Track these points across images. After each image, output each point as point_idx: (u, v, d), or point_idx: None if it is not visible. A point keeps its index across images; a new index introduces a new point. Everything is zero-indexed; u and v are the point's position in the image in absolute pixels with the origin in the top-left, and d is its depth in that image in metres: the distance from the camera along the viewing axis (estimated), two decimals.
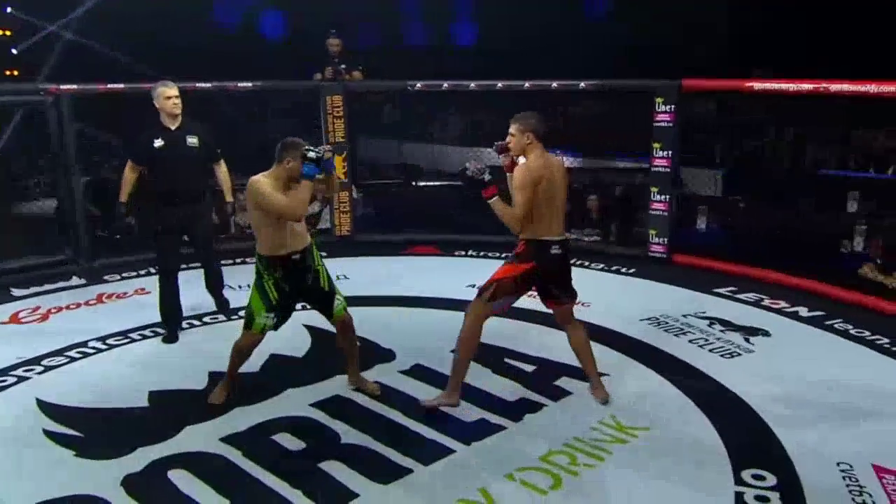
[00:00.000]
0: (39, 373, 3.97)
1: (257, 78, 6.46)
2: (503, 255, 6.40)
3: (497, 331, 4.49)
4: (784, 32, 8.05)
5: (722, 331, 4.56)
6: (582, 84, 6.19)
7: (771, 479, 2.98)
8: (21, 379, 3.90)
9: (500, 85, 6.41)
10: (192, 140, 4.39)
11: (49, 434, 3.30)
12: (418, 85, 6.55)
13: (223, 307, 4.86)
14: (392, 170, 8.58)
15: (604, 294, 5.31)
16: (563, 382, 3.82)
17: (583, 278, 5.69)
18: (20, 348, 4.27)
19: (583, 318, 4.66)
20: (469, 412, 3.50)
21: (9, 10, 10.05)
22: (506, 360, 4.12)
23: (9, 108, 7.28)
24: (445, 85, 6.55)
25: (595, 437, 3.29)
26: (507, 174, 3.54)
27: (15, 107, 6.95)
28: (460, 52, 10.22)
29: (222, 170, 4.65)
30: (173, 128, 4.36)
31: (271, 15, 10.25)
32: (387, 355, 4.20)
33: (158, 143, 4.33)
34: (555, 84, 6.26)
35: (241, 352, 3.58)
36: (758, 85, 5.62)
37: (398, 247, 6.66)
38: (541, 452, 3.16)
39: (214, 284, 4.81)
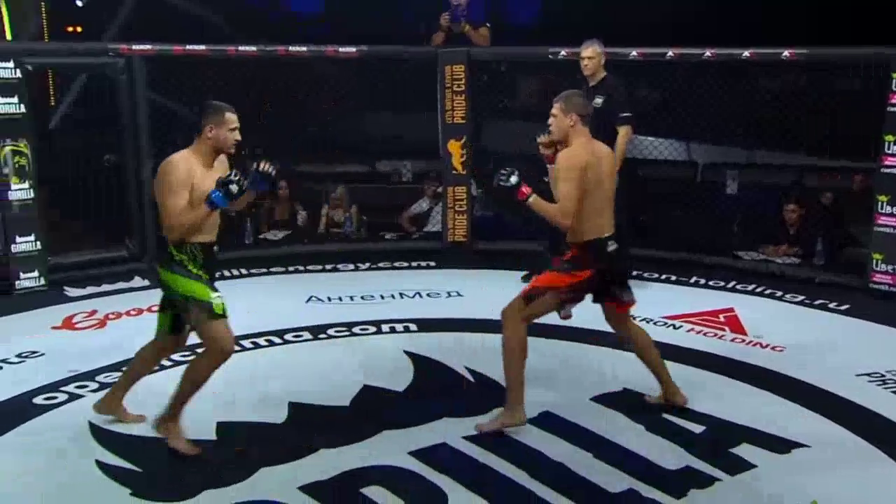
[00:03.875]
0: (94, 390, 4.26)
1: None
2: (665, 277, 6.34)
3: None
4: None
5: None
6: (785, 53, 5.97)
7: None
8: (73, 397, 4.20)
9: (670, 53, 6.28)
10: (598, 100, 5.58)
11: (102, 466, 3.53)
12: (562, 53, 6.53)
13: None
14: (520, 161, 8.56)
15: (804, 337, 5.08)
16: (744, 451, 3.67)
17: (776, 314, 5.65)
18: (74, 360, 4.62)
19: (774, 369, 4.56)
20: (614, 480, 3.43)
21: None
22: (664, 415, 4.03)
23: (71, 72, 7.89)
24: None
25: None
26: (550, 167, 3.92)
27: (78, 71, 7.55)
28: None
29: (619, 134, 5.65)
30: (591, 85, 5.73)
31: None
32: None
33: None
34: (746, 53, 6.08)
35: (208, 370, 3.55)
36: None
37: (527, 260, 6.65)
38: None
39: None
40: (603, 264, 3.79)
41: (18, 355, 4.72)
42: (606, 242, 3.79)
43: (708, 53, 6.17)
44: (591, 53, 5.73)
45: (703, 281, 6.26)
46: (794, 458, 3.64)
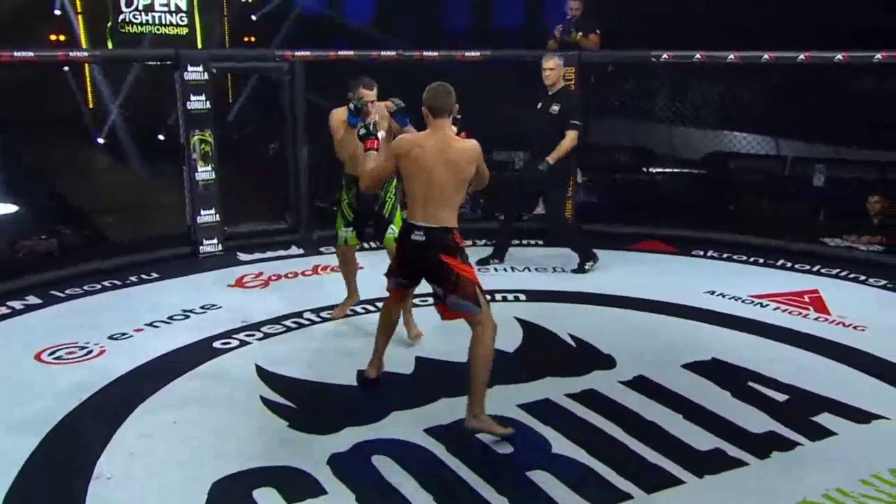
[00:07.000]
0: (259, 339, 4.44)
1: None
2: (753, 260, 6.04)
3: (741, 349, 4.23)
4: None
5: None
6: (877, 56, 5.51)
7: None
8: (242, 343, 4.39)
9: (766, 56, 5.92)
10: (555, 108, 5.59)
11: (265, 401, 3.68)
12: (664, 56, 6.27)
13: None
14: (619, 153, 8.35)
15: (887, 318, 4.75)
16: (825, 420, 3.47)
17: (859, 296, 5.28)
18: (243, 312, 4.82)
19: (856, 346, 4.28)
20: (701, 439, 3.31)
21: None
22: (750, 383, 3.85)
23: (245, 74, 8.22)
24: (697, 56, 6.19)
25: (866, 492, 2.93)
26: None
27: (251, 73, 7.87)
28: None
29: (566, 137, 5.58)
30: (549, 94, 5.65)
31: None
32: (606, 362, 4.12)
33: (539, 105, 5.72)
34: (839, 56, 5.65)
35: (342, 264, 4.75)
36: None
37: (625, 241, 6.48)
38: (795, 499, 2.89)
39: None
40: (401, 246, 3.50)
41: (202, 307, 4.95)
42: (412, 229, 3.37)
43: (802, 57, 5.77)
44: (551, 65, 5.61)
45: (789, 264, 5.91)
46: (874, 427, 3.42)
